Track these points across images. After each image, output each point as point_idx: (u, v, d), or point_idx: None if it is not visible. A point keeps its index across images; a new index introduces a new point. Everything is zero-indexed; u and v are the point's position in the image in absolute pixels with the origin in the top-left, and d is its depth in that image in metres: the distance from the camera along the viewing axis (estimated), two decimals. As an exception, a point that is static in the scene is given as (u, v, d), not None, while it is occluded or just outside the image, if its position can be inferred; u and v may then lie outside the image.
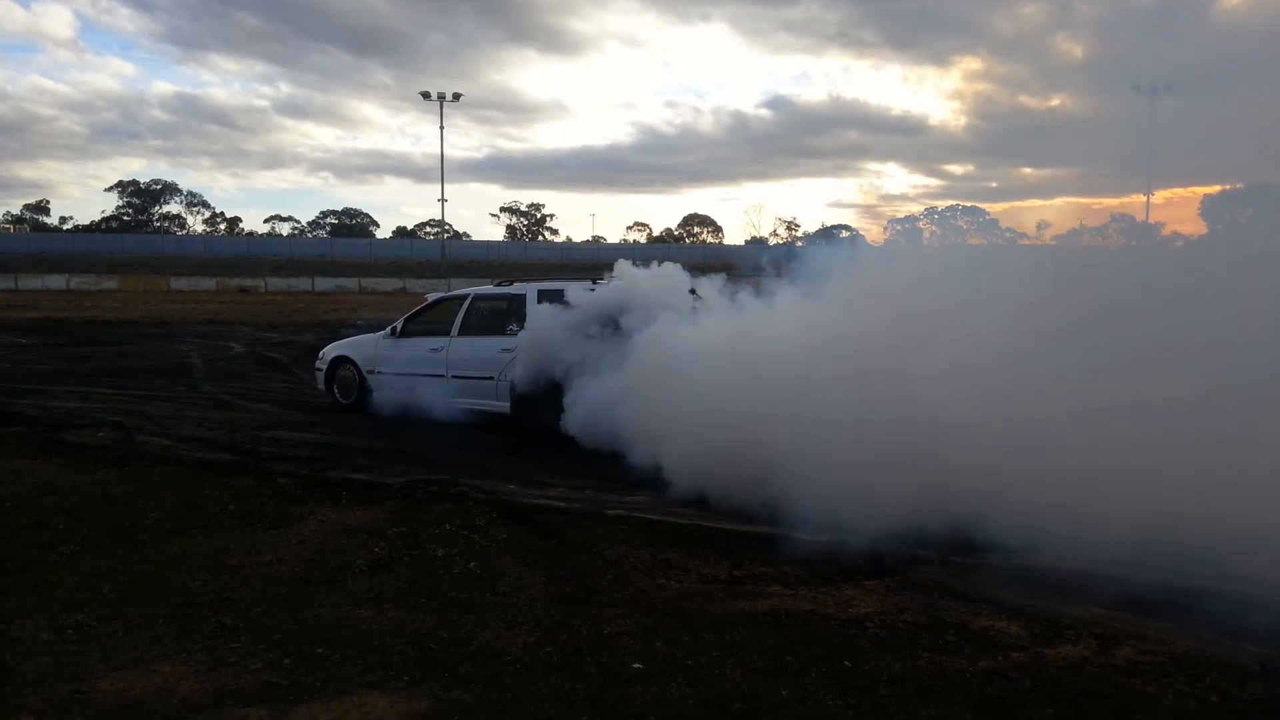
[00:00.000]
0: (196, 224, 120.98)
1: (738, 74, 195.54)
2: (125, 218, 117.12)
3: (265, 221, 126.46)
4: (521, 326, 11.25)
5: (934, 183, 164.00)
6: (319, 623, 5.23)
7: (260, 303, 44.71)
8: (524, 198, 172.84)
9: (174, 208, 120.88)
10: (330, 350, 13.92)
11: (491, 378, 11.63)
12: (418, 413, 12.34)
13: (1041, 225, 8.88)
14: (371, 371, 13.12)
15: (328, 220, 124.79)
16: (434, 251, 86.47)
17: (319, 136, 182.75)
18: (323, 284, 67.14)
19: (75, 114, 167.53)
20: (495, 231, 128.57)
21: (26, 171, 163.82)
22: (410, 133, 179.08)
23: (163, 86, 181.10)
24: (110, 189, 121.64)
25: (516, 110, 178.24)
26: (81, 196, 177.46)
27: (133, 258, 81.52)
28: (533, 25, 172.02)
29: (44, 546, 6.57)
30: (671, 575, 6.02)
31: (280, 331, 29.67)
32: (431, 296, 13.97)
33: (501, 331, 11.68)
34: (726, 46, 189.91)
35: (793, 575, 6.00)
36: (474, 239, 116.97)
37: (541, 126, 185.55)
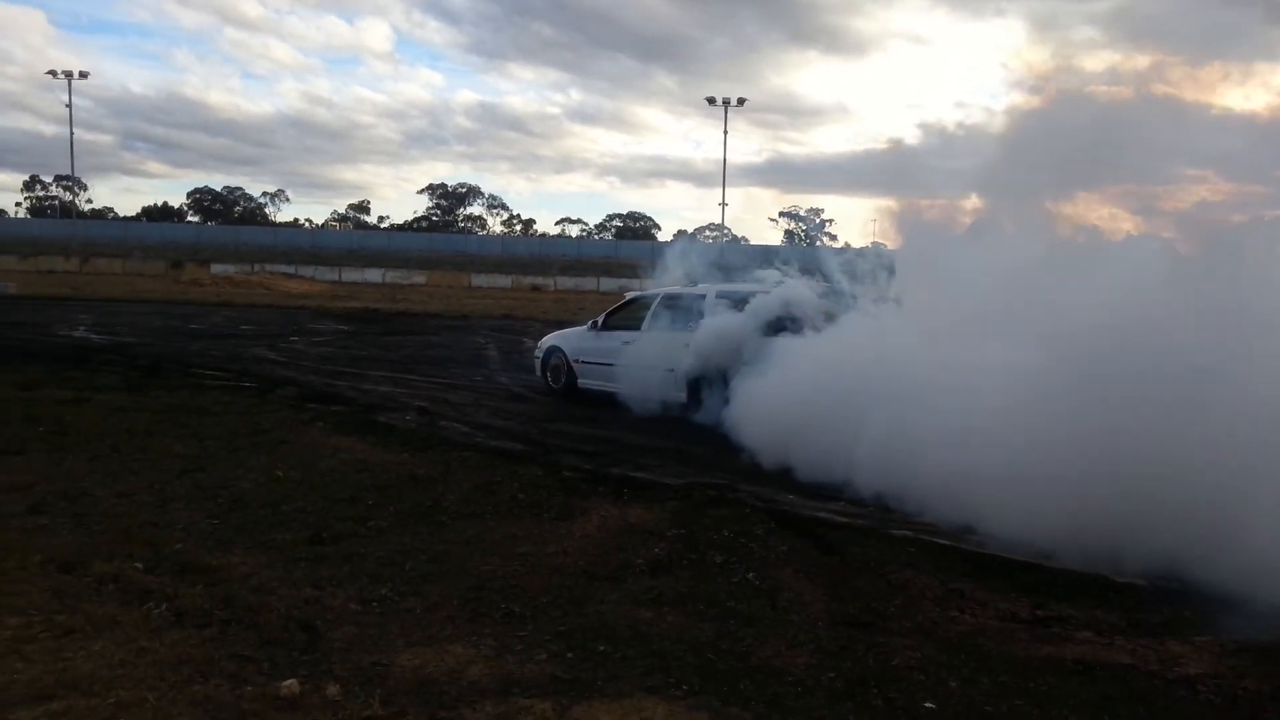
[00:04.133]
0: (495, 225, 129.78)
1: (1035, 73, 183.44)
2: (434, 218, 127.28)
3: (556, 224, 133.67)
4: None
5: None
6: (601, 619, 5.26)
7: (550, 300, 46.95)
8: (803, 202, 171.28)
9: (476, 209, 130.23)
10: (545, 341, 15.20)
11: (672, 369, 12.33)
12: (612, 399, 13.24)
13: None
14: (577, 360, 14.21)
15: (613, 223, 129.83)
16: (712, 255, 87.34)
17: (606, 142, 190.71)
18: (607, 284, 69.42)
19: (391, 121, 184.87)
20: (773, 236, 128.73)
21: (349, 175, 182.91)
22: (692, 138, 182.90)
23: (467, 95, 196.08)
24: (421, 191, 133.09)
25: (797, 113, 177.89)
26: (396, 197, 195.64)
27: (439, 255, 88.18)
28: (815, 26, 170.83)
29: (356, 520, 7.08)
30: (965, 608, 5.60)
31: (567, 328, 30.90)
32: (629, 294, 15.08)
33: (684, 328, 12.40)
34: (1021, 42, 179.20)
35: (1106, 622, 5.41)
36: (752, 243, 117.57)
37: (822, 129, 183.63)
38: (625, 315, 14.02)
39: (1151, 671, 4.72)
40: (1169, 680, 4.62)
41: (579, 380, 14.17)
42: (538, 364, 15.15)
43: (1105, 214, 9.21)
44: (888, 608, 5.56)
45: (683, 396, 12.26)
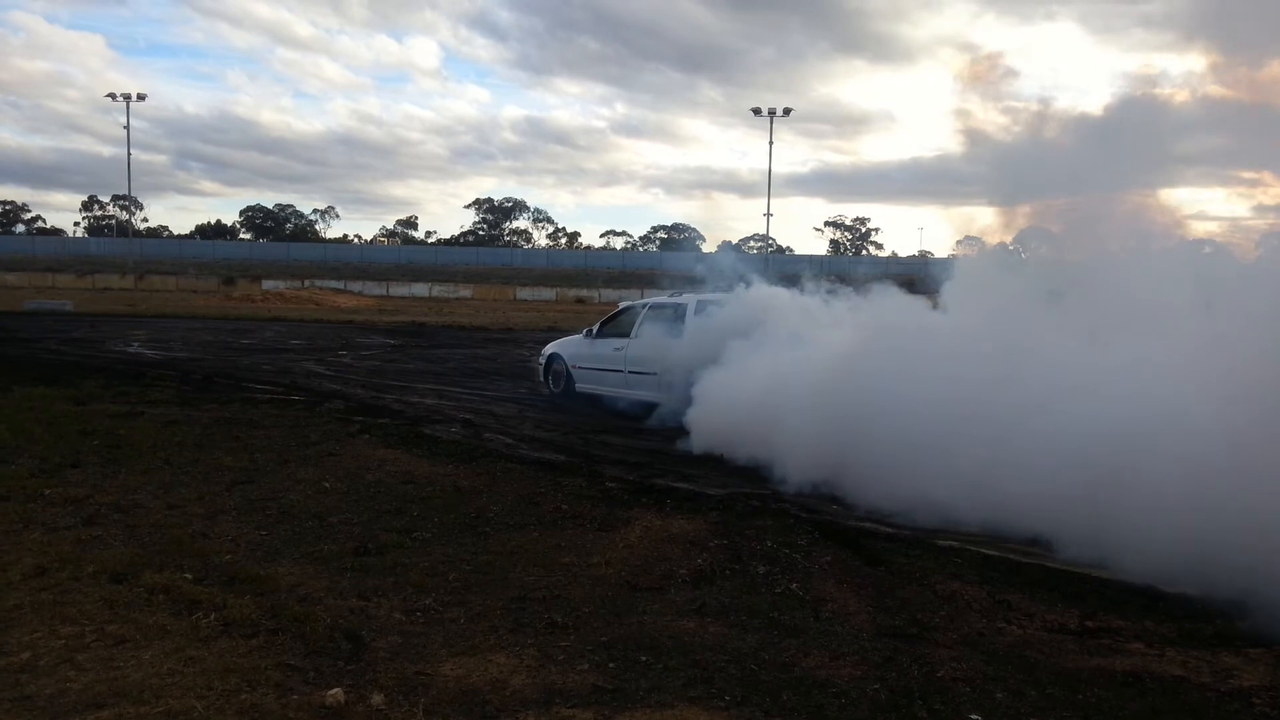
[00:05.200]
0: (540, 238, 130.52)
1: (1085, 75, 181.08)
2: (480, 232, 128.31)
3: (601, 236, 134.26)
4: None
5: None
6: (643, 629, 5.26)
7: (595, 313, 47.00)
8: (849, 211, 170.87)
9: (521, 223, 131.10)
10: (548, 349, 16.13)
11: (655, 373, 13.14)
12: (607, 402, 14.11)
13: None
14: (575, 366, 15.09)
15: (657, 235, 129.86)
16: (756, 266, 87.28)
17: (651, 154, 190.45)
18: (651, 295, 69.55)
19: (438, 137, 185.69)
20: (819, 246, 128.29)
21: (398, 191, 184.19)
22: (737, 148, 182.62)
23: (512, 111, 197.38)
24: (468, 206, 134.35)
25: (843, 122, 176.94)
26: (443, 212, 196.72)
27: (485, 269, 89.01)
28: (862, 34, 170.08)
29: (401, 531, 7.14)
30: (1012, 619, 5.52)
31: (611, 340, 30.94)
32: (622, 304, 16.02)
33: (667, 335, 13.18)
34: (1073, 46, 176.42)
35: (1156, 632, 5.30)
36: (797, 253, 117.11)
37: (869, 138, 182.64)
38: (617, 323, 14.71)
39: (1204, 684, 4.61)
40: (1222, 693, 4.52)
41: (576, 385, 15.02)
42: (540, 370, 16.07)
43: (1157, 219, 9.04)
44: (933, 619, 5.50)
45: (664, 397, 12.78)
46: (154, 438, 10.55)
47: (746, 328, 11.75)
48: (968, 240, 11.44)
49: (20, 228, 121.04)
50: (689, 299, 13.54)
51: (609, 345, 14.36)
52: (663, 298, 14.53)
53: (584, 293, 65.32)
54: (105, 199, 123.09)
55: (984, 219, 10.35)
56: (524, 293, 66.41)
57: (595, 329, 14.94)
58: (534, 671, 4.68)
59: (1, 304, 38.42)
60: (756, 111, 72.91)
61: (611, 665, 4.77)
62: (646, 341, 13.48)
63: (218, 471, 9.00)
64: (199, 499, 8.00)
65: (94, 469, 9.01)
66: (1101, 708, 4.34)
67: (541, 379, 16.01)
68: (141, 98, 79.21)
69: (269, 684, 4.44)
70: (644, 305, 14.50)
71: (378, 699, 4.30)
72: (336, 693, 4.31)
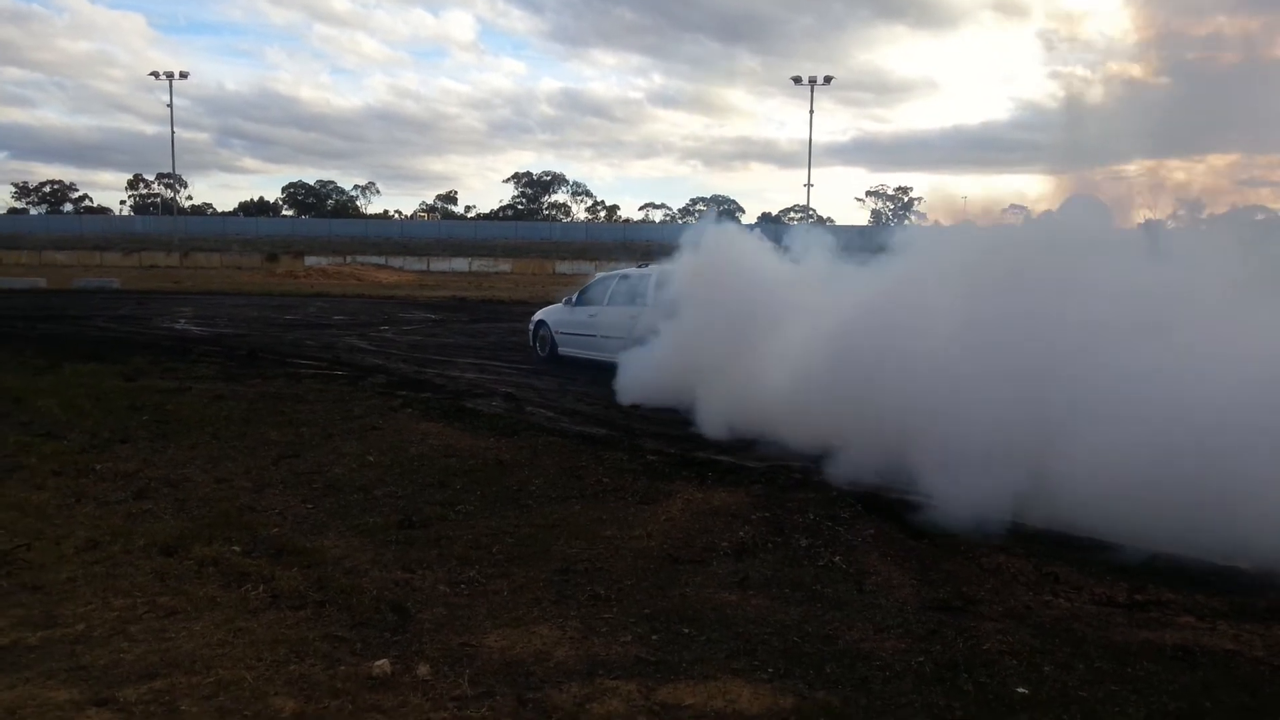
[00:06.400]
0: (579, 212, 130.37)
1: (1135, 41, 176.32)
2: (519, 206, 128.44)
3: (640, 209, 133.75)
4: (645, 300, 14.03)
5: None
6: (685, 602, 5.26)
7: (633, 285, 47.09)
8: (890, 180, 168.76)
9: (560, 197, 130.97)
10: (536, 316, 17.46)
11: (622, 337, 13.93)
12: (585, 364, 15.09)
13: None
14: (558, 331, 16.39)
15: (696, 207, 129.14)
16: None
17: (688, 125, 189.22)
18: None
19: (476, 111, 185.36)
20: (860, 216, 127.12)
21: (437, 165, 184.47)
22: (775, 118, 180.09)
23: (549, 83, 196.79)
24: (506, 180, 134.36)
25: (884, 90, 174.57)
26: (482, 187, 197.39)
27: (524, 243, 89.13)
28: (903, 0, 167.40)
29: (444, 504, 7.20)
30: (1060, 592, 5.45)
31: (651, 313, 30.85)
32: (598, 275, 17.01)
33: (632, 303, 14.31)
34: (1122, 7, 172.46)
35: (1208, 606, 5.21)
36: (838, 223, 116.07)
37: (910, 106, 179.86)
38: (593, 292, 15.77)
39: (1256, 658, 4.53)
40: (1276, 667, 4.44)
41: (559, 349, 16.30)
42: (530, 335, 17.42)
43: (1208, 185, 8.80)
44: (979, 592, 5.45)
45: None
46: (201, 413, 10.71)
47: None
48: (1013, 209, 11.14)
49: (68, 207, 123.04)
50: (653, 270, 14.57)
51: (585, 312, 15.57)
52: (631, 269, 15.57)
53: (623, 265, 65.25)
54: (150, 177, 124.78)
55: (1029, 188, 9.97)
56: (563, 266, 66.34)
57: (574, 297, 16.08)
58: (577, 643, 4.70)
59: (51, 282, 39.13)
60: (796, 80, 72.04)
61: (654, 637, 4.79)
62: (615, 309, 14.73)
63: (264, 446, 9.12)
64: (246, 473, 8.12)
65: (143, 444, 9.17)
66: (1151, 681, 4.28)
67: (531, 344, 17.29)
68: (184, 76, 79.67)
69: (317, 655, 4.50)
70: (615, 275, 15.55)
71: (424, 670, 4.35)
72: (383, 663, 4.36)
